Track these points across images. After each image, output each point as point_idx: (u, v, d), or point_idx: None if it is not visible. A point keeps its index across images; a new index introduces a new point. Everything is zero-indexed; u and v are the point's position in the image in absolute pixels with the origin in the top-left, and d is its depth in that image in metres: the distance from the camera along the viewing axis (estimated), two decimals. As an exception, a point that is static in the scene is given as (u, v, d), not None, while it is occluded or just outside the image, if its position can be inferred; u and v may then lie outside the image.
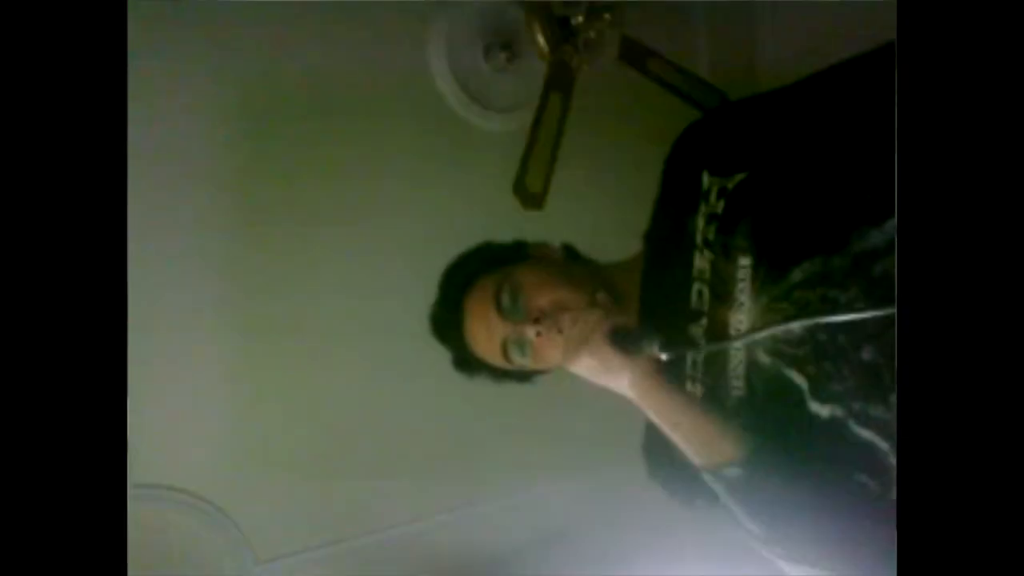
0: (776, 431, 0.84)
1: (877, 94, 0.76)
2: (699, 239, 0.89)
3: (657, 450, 0.98)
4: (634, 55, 1.66)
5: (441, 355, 1.92)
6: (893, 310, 0.69)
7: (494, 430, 1.93)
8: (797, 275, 0.81)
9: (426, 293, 1.80)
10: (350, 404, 1.74)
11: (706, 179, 0.90)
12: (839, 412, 0.80)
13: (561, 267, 1.04)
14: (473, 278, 1.03)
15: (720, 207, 0.87)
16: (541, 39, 1.57)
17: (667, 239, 0.95)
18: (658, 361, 0.87)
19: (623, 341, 0.86)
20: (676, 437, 0.87)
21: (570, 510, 2.08)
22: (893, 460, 0.77)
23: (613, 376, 0.87)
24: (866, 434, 0.79)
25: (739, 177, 0.87)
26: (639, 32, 1.67)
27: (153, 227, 1.45)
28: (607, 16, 1.56)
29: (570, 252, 1.10)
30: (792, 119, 0.90)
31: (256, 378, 1.63)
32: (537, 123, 1.52)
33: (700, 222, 0.89)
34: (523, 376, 1.08)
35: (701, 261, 0.89)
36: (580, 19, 1.55)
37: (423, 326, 1.88)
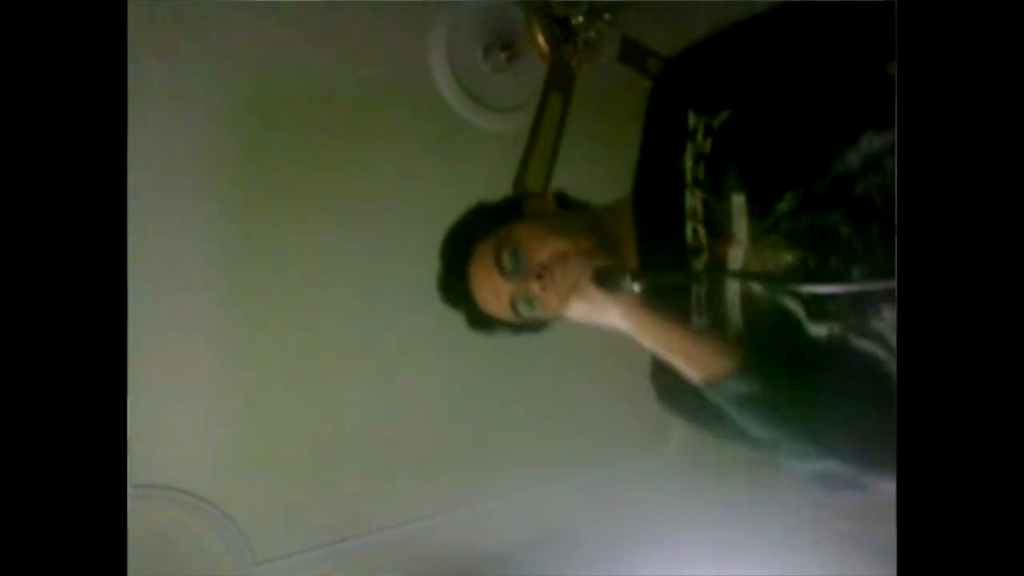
0: (776, 355, 0.86)
1: (846, 18, 0.81)
2: (689, 178, 0.91)
3: (663, 377, 1.02)
4: (634, 55, 1.66)
5: (441, 356, 1.93)
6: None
7: (494, 430, 1.93)
8: (782, 206, 0.83)
9: (426, 292, 1.81)
10: (350, 404, 1.74)
11: (692, 118, 0.91)
12: (837, 329, 0.83)
13: (555, 218, 1.06)
14: (472, 244, 1.05)
15: (708, 146, 0.89)
16: (541, 39, 1.57)
17: (656, 179, 0.97)
18: (644, 293, 0.90)
19: (605, 281, 0.90)
20: (673, 359, 0.90)
21: (570, 510, 2.08)
22: (892, 366, 0.80)
23: (603, 314, 0.91)
24: (865, 344, 0.82)
25: (724, 115, 0.88)
26: (639, 32, 1.67)
27: (153, 227, 1.45)
28: (607, 16, 1.56)
29: (562, 200, 1.11)
30: (768, 50, 0.91)
31: (256, 378, 1.63)
32: (537, 123, 1.52)
33: (688, 162, 0.91)
34: (537, 326, 1.11)
35: (693, 200, 0.91)
36: (580, 19, 1.55)
37: (423, 326, 1.89)
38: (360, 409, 1.76)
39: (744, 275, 0.87)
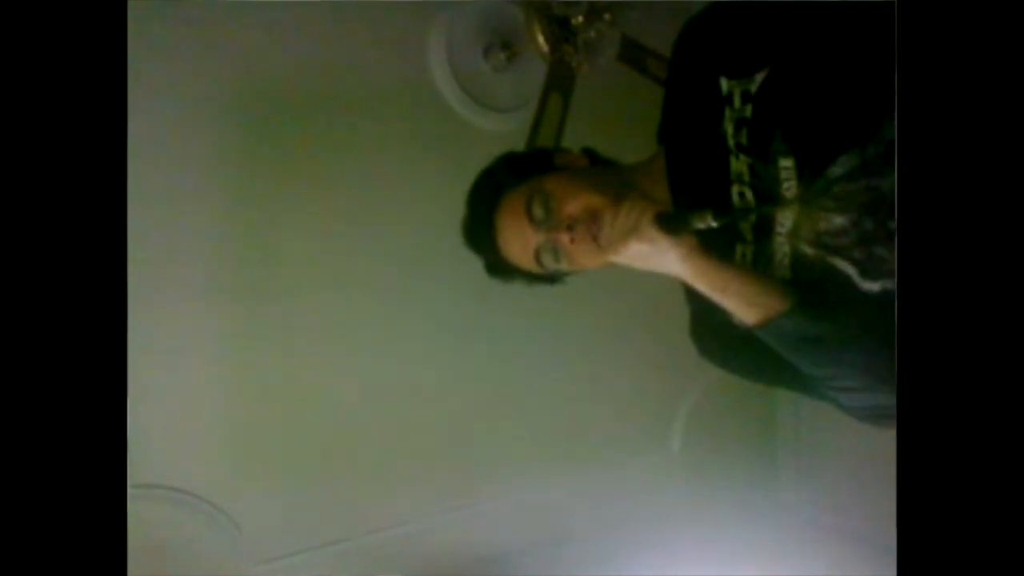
0: (826, 307, 0.86)
1: None
2: (732, 144, 0.90)
3: (703, 332, 1.04)
4: (634, 55, 1.66)
5: (441, 356, 1.93)
6: None
7: (495, 430, 1.93)
8: (836, 170, 0.83)
9: (426, 292, 1.81)
10: (350, 404, 1.74)
11: (725, 84, 0.90)
12: (890, 284, 0.84)
13: (587, 173, 1.05)
14: (501, 191, 1.05)
15: (748, 111, 0.88)
16: (541, 39, 1.57)
17: (693, 144, 0.97)
18: (700, 236, 0.89)
19: (670, 222, 0.88)
20: (727, 301, 0.89)
21: (570, 510, 2.08)
22: None
23: (662, 256, 0.89)
24: None
25: (760, 78, 0.87)
26: (639, 32, 1.67)
27: (153, 227, 1.45)
28: (607, 16, 1.56)
29: (592, 156, 1.11)
30: (803, 6, 0.89)
31: (256, 378, 1.63)
32: (537, 123, 1.52)
33: (729, 127, 0.90)
34: (554, 278, 1.11)
35: (738, 165, 0.91)
36: (580, 19, 1.55)
37: (423, 326, 1.88)
38: (360, 409, 1.75)
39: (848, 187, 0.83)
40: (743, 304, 0.88)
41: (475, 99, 1.81)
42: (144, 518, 1.49)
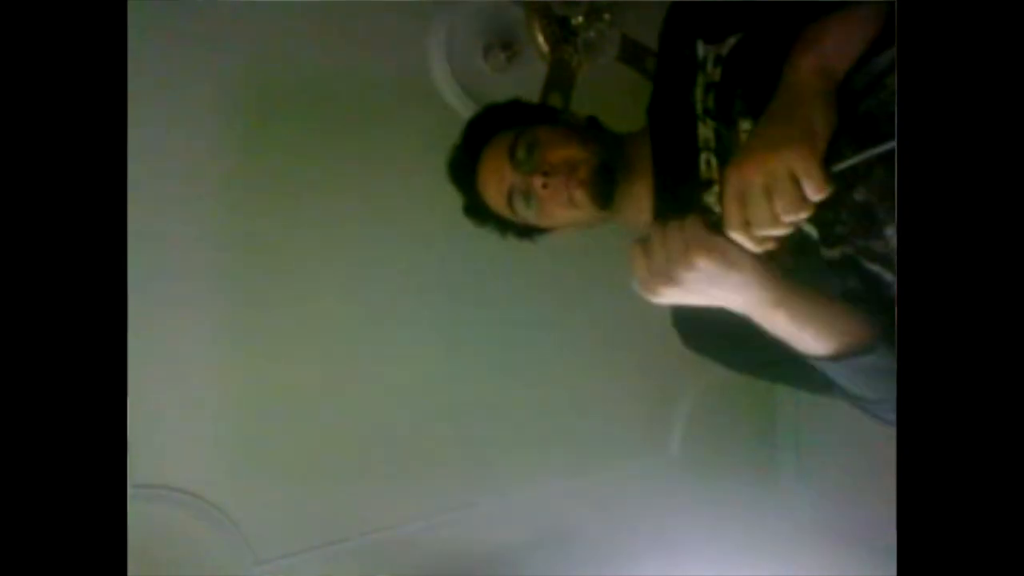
0: (797, 278, 0.81)
1: None
2: (700, 109, 0.90)
3: (687, 323, 1.02)
4: (634, 55, 1.66)
5: (441, 355, 1.93)
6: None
7: (494, 430, 1.93)
8: None
9: (427, 291, 1.81)
10: (350, 404, 1.74)
11: (701, 48, 0.91)
12: (848, 251, 0.82)
13: (579, 131, 1.06)
14: (495, 129, 1.06)
15: (717, 75, 0.89)
16: (541, 39, 1.57)
17: (670, 113, 0.97)
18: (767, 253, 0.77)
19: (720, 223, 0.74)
20: (806, 332, 0.76)
21: (570, 510, 2.08)
22: (895, 291, 0.78)
23: (737, 271, 0.73)
24: (874, 268, 0.81)
25: (732, 41, 0.88)
26: (639, 32, 1.67)
27: (153, 227, 1.45)
28: (607, 16, 1.56)
29: (593, 123, 1.12)
30: None
31: (256, 378, 1.63)
32: (537, 123, 1.52)
33: (699, 92, 0.90)
34: (525, 231, 1.11)
35: (705, 130, 0.90)
36: (580, 19, 1.56)
37: (424, 325, 1.88)
38: (360, 409, 1.75)
39: None
40: (825, 335, 0.77)
41: (475, 99, 1.81)
42: (144, 518, 1.49)
